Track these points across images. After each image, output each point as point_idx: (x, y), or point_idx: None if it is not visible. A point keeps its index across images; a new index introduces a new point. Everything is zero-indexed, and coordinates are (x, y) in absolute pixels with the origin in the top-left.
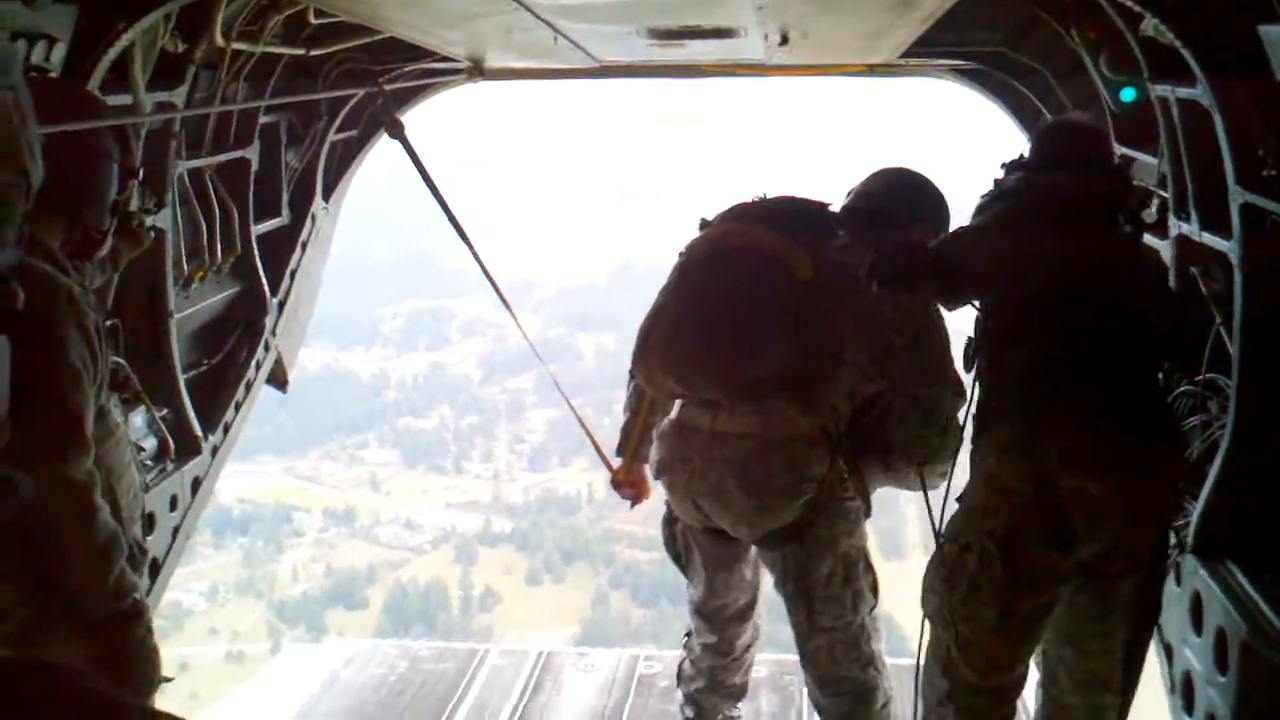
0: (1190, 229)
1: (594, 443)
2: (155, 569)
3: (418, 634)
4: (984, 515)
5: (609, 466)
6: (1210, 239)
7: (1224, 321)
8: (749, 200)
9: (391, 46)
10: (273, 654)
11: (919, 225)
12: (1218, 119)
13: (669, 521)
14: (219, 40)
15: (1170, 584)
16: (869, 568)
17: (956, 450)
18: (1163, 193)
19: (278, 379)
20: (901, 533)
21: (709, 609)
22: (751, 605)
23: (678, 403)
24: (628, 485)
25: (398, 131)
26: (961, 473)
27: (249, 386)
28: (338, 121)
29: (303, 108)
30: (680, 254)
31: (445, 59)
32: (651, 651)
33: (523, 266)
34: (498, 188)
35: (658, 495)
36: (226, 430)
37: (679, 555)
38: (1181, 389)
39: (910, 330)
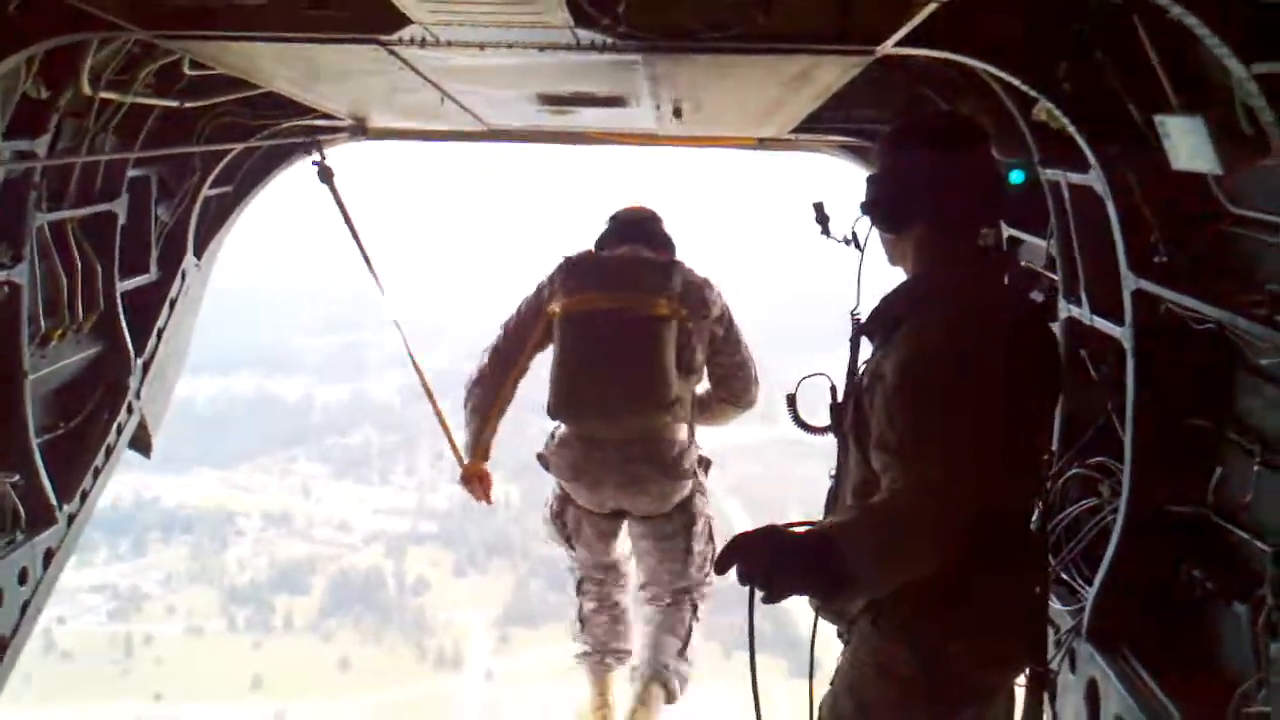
0: (1081, 313)
1: (450, 442)
2: (2, 646)
3: (359, 613)
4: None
5: (461, 463)
6: (1102, 323)
7: (1115, 407)
8: (603, 253)
9: (270, 101)
10: (229, 630)
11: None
12: (1110, 206)
13: (559, 510)
14: (86, 88)
15: (1065, 671)
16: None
17: None
18: (1051, 275)
19: (141, 443)
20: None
21: (607, 560)
22: (623, 560)
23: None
24: (475, 479)
25: (328, 178)
26: None
27: (109, 452)
28: (212, 176)
29: (176, 161)
30: (564, 311)
31: (327, 116)
32: None
33: (435, 312)
34: (403, 240)
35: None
36: (84, 498)
37: (569, 535)
38: (1072, 471)
39: (725, 318)
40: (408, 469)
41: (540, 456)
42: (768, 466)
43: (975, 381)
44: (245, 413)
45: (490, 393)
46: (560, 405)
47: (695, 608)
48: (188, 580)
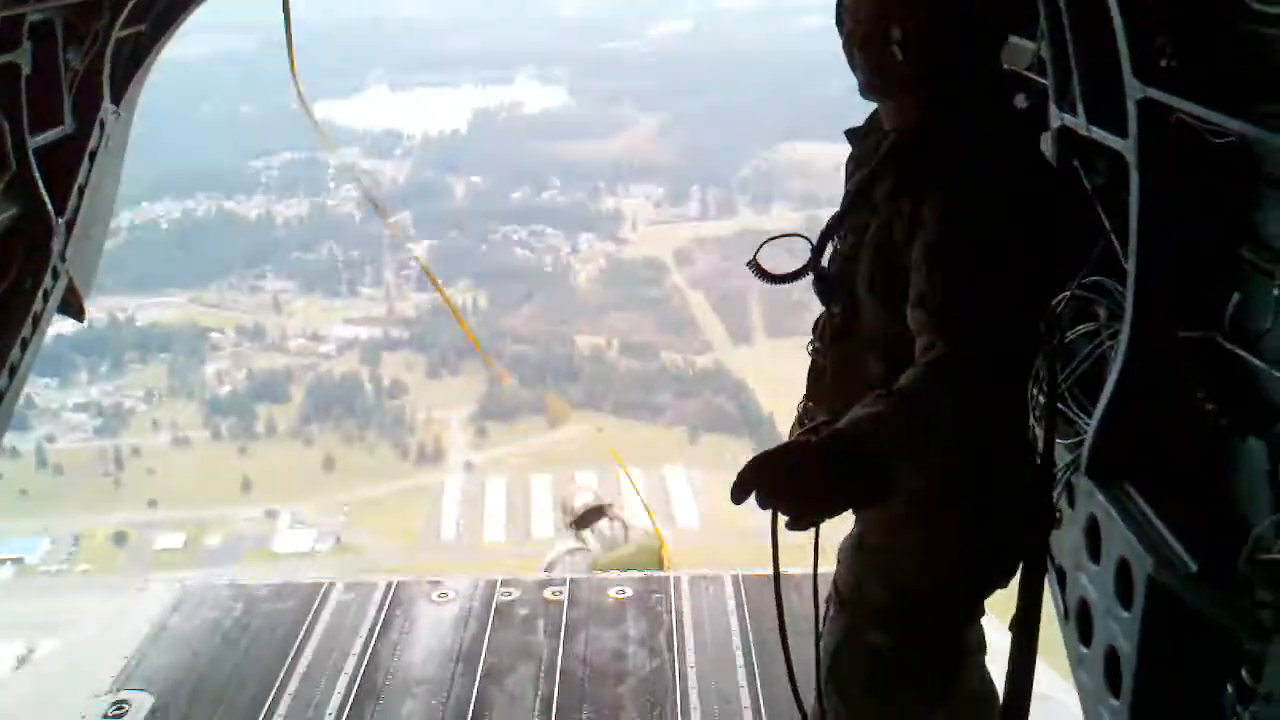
0: (1076, 121)
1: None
2: None
3: (339, 417)
4: None
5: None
6: (1100, 134)
7: (1113, 225)
8: None
9: None
10: (214, 439)
11: None
12: (1113, 5)
13: None
14: None
15: (1063, 505)
16: None
17: None
18: (1040, 79)
19: (72, 306)
20: None
21: None
22: None
23: None
24: None
25: None
26: None
27: (37, 320)
28: (123, 16)
29: (81, 3)
30: None
31: None
32: (509, 575)
33: (387, 118)
34: (350, 51)
35: None
36: (14, 372)
37: None
38: (1065, 293)
39: None
40: (374, 280)
41: None
42: (729, 259)
43: (1024, 232)
44: (208, 233)
45: None
46: None
47: None
48: (169, 395)
